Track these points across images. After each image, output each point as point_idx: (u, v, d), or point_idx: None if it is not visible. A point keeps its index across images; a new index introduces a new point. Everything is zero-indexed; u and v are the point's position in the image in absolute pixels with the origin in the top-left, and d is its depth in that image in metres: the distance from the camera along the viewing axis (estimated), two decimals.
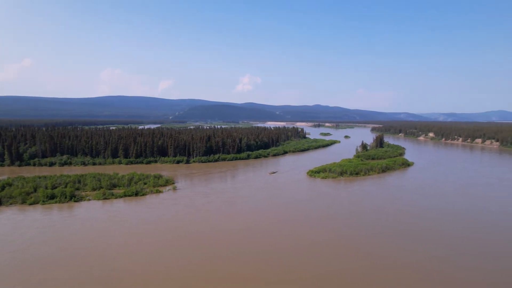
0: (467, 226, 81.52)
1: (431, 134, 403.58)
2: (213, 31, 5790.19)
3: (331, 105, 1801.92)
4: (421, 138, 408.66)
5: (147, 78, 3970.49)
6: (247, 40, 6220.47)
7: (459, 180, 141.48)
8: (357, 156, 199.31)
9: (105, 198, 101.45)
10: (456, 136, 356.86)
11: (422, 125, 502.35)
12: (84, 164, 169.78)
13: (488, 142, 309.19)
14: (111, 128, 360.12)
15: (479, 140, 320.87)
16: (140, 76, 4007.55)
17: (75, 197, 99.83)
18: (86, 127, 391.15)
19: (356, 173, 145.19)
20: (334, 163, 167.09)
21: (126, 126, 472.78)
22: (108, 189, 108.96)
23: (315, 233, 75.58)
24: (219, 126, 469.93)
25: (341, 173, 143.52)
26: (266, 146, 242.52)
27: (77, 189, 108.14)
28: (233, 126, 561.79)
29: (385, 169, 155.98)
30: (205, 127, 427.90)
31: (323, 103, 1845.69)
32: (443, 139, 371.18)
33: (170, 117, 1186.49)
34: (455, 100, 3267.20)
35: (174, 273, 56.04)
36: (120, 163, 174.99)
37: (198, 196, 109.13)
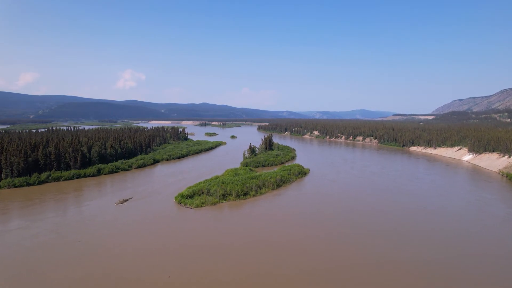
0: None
1: (315, 132, 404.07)
2: (83, 21, 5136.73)
3: (218, 103, 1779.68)
4: (307, 136, 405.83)
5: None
6: (126, 32, 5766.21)
7: (365, 190, 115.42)
8: (245, 163, 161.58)
9: None
10: (339, 134, 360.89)
11: (306, 123, 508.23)
12: None
13: (368, 139, 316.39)
14: None
15: (360, 138, 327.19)
16: None
17: None
18: None
19: (244, 193, 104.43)
20: (216, 177, 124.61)
21: None
22: None
23: None
24: (88, 127, 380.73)
25: (224, 196, 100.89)
26: (131, 154, 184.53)
27: None
28: (107, 126, 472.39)
29: (280, 183, 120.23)
30: (66, 128, 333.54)
31: (210, 101, 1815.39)
32: (327, 137, 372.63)
33: (31, 116, 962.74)
34: (327, 100, 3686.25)
35: None
36: None
37: None
